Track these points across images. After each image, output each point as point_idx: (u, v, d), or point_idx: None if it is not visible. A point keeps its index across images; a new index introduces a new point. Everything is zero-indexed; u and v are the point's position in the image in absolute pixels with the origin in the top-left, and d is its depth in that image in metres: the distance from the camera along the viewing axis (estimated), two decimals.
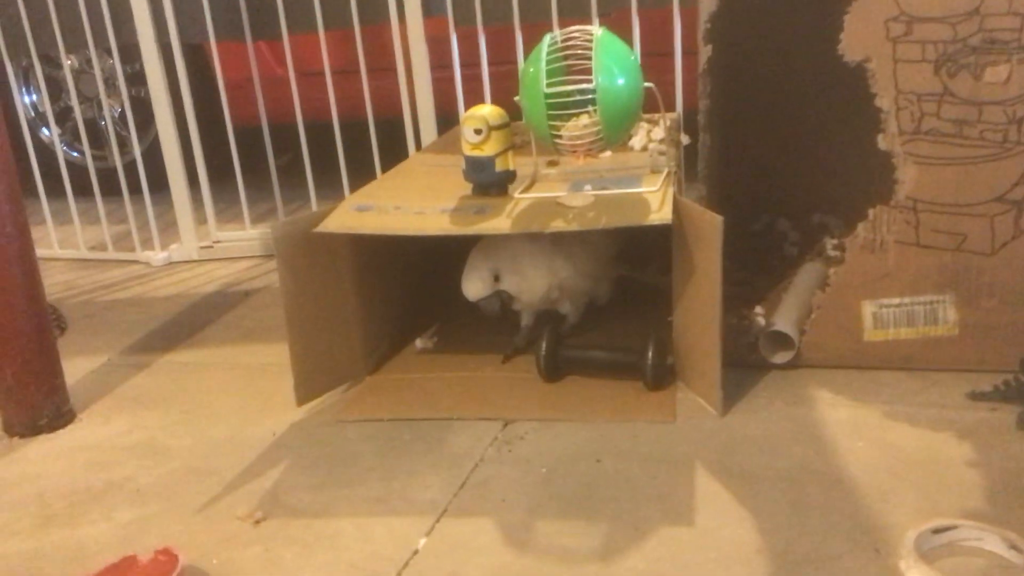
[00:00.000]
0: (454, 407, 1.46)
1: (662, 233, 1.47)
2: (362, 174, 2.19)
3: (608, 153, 1.60)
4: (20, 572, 1.14)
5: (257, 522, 1.21)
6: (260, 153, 2.37)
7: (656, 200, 1.35)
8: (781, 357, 1.50)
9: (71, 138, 3.05)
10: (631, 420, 1.39)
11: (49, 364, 1.52)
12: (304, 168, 2.34)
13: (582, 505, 1.19)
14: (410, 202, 1.44)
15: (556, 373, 1.50)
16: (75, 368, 1.73)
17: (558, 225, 1.30)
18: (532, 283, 1.54)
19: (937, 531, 1.06)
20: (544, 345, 1.48)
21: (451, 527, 1.17)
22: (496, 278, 1.51)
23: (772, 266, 1.82)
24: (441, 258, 1.61)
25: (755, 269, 1.80)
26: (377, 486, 1.27)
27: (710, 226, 1.27)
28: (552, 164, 1.58)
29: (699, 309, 1.37)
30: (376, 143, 2.30)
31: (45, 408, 1.51)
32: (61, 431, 1.52)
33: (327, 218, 1.40)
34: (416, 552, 1.12)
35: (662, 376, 1.44)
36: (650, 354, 1.43)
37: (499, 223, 1.34)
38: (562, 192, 1.41)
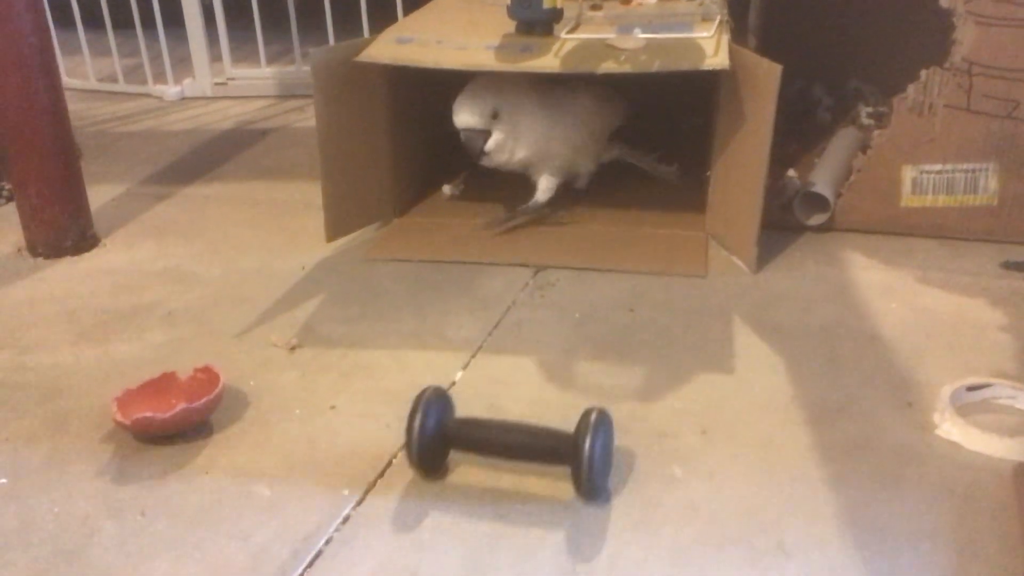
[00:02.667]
0: (485, 252, 1.45)
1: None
2: (381, 15, 2.12)
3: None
4: (56, 384, 1.15)
5: (292, 349, 1.21)
6: None
7: (711, 46, 1.30)
8: (815, 219, 1.49)
9: None
10: (663, 273, 1.38)
11: (73, 185, 1.49)
12: (322, 8, 2.25)
13: (617, 349, 1.20)
14: (452, 37, 1.39)
15: (434, 464, 0.96)
16: (95, 196, 1.68)
17: (609, 67, 1.26)
18: (520, 138, 1.45)
19: (972, 388, 1.07)
20: (416, 424, 0.93)
21: (487, 362, 1.18)
22: (495, 115, 1.42)
23: (804, 132, 1.79)
24: None
25: (785, 134, 1.77)
26: (411, 322, 1.28)
27: (767, 75, 1.24)
28: (595, 8, 1.53)
29: (743, 163, 1.35)
30: None
31: (70, 230, 1.49)
32: (86, 255, 1.50)
33: (368, 48, 1.35)
34: (454, 383, 1.13)
35: (599, 481, 0.92)
36: (586, 448, 0.89)
37: (547, 62, 1.29)
38: (610, 35, 1.37)
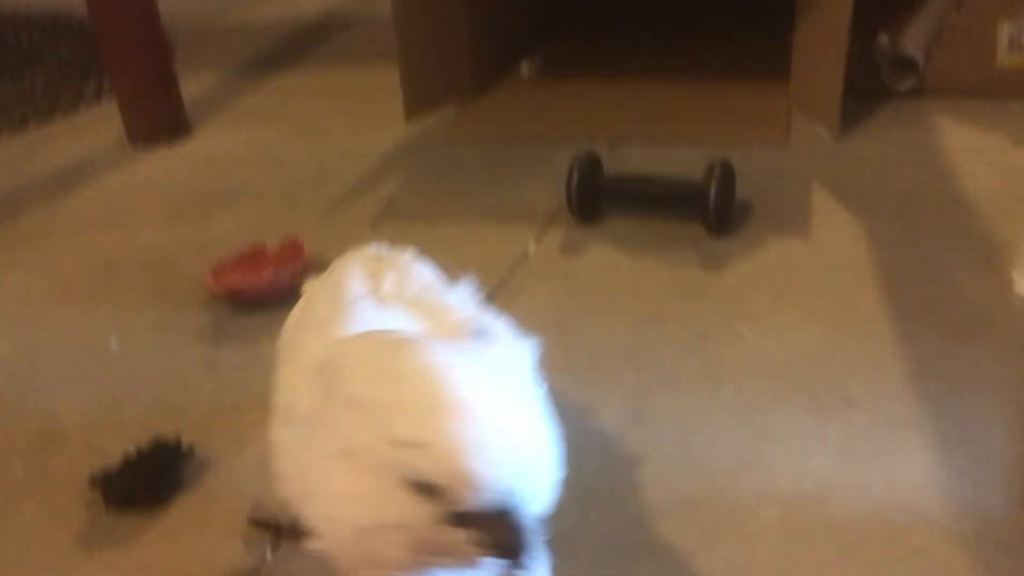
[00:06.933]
0: (560, 126, 1.45)
1: None
2: None
3: None
4: (157, 259, 1.22)
5: (373, 224, 1.26)
6: None
7: None
8: (905, 83, 1.44)
9: None
10: (742, 143, 1.36)
11: (166, 74, 1.55)
12: None
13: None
14: None
15: (592, 212, 1.21)
16: (186, 86, 1.75)
17: None
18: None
19: None
20: (576, 175, 1.19)
21: (560, 234, 1.20)
22: None
23: None
24: None
25: None
26: (486, 197, 1.30)
27: None
28: None
29: (825, 24, 1.30)
30: None
31: (164, 118, 1.55)
32: (180, 142, 1.57)
33: None
34: (527, 254, 1.16)
35: (726, 217, 1.15)
36: (713, 190, 1.13)
37: None
38: None
